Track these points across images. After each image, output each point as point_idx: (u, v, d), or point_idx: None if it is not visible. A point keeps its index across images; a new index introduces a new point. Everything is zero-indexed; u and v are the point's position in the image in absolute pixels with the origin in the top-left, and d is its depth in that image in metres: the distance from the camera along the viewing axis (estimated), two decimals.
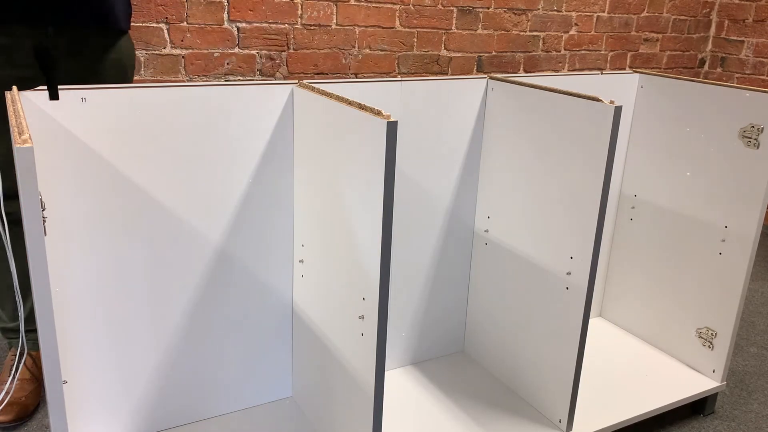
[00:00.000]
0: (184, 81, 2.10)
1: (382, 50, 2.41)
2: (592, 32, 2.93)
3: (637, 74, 1.74)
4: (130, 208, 1.19)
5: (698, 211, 1.64)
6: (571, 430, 1.41)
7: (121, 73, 1.45)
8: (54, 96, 1.07)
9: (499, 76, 1.49)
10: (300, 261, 1.34)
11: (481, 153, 1.55)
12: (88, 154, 1.13)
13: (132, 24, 1.94)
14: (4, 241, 1.45)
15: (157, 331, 1.28)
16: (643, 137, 1.75)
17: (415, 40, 2.47)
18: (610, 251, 1.90)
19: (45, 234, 1.12)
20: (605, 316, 1.95)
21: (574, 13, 2.84)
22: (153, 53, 2.02)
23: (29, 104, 1.06)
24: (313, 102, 1.19)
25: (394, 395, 1.51)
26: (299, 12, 2.23)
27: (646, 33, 3.09)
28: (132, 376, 1.28)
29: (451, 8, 2.52)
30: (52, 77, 1.34)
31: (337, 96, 1.10)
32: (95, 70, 1.39)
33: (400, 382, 1.56)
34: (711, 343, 1.65)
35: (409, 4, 2.42)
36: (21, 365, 1.58)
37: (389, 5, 2.36)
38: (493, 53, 2.69)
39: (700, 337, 1.67)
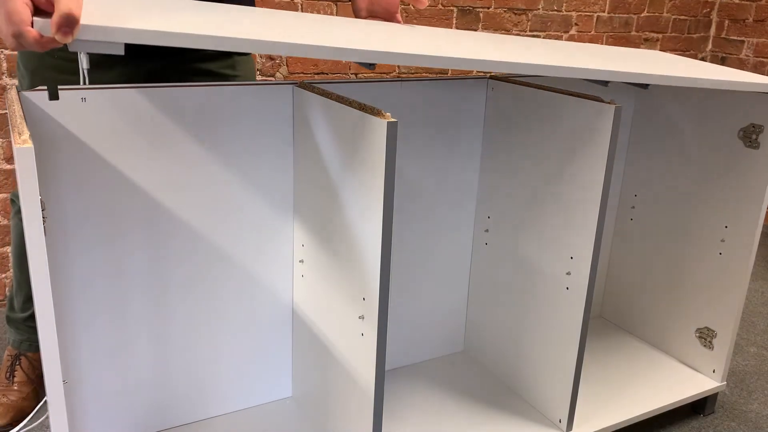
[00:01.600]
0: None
1: None
2: (592, 32, 2.93)
3: None
4: (130, 208, 1.19)
5: (698, 211, 1.64)
6: (571, 430, 1.41)
7: None
8: (54, 96, 1.07)
9: (499, 76, 1.49)
10: (300, 261, 1.34)
11: (481, 153, 1.55)
12: (88, 154, 1.13)
13: None
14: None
15: (157, 331, 1.28)
16: (643, 137, 1.75)
17: None
18: (610, 251, 1.90)
19: (45, 234, 1.12)
20: (605, 316, 1.95)
21: (574, 13, 2.84)
22: None
23: (29, 104, 1.06)
24: (313, 102, 1.19)
25: (394, 395, 1.51)
26: (299, 12, 2.22)
27: (646, 33, 3.09)
28: (132, 376, 1.28)
29: (451, 8, 2.52)
30: None
31: (337, 96, 1.10)
32: None
33: (400, 382, 1.56)
34: (711, 343, 1.65)
35: (408, 5, 2.42)
36: (17, 366, 1.58)
37: None
38: None
39: (700, 337, 1.67)
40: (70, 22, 0.74)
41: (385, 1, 1.33)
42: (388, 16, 1.35)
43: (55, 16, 0.74)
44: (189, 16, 0.99)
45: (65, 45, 0.76)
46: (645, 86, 1.35)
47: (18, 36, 0.76)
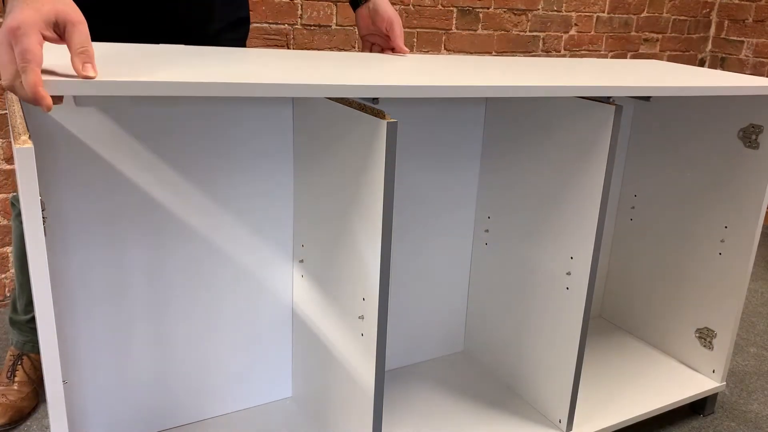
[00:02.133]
0: None
1: None
2: (592, 32, 2.93)
3: None
4: (129, 209, 1.19)
5: (698, 211, 1.64)
6: (571, 430, 1.41)
7: None
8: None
9: None
10: (300, 261, 1.34)
11: (481, 153, 1.55)
12: (88, 155, 1.13)
13: None
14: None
15: (156, 331, 1.28)
16: (644, 137, 1.75)
17: (415, 40, 2.47)
18: (610, 251, 1.90)
19: (45, 234, 1.12)
20: (605, 316, 1.95)
21: (574, 13, 2.84)
22: None
23: (29, 104, 1.06)
24: (313, 102, 1.19)
25: (394, 395, 1.51)
26: (299, 12, 2.23)
27: (646, 33, 3.09)
28: (132, 376, 1.28)
29: (451, 8, 2.52)
30: None
31: (337, 96, 1.10)
32: None
33: (400, 382, 1.56)
34: (711, 344, 1.65)
35: (409, 5, 2.42)
36: (19, 366, 1.59)
37: None
38: (493, 53, 2.68)
39: (700, 337, 1.67)
40: (89, 57, 0.78)
41: (381, 22, 1.40)
42: (385, 40, 1.44)
43: (75, 56, 0.78)
44: (185, 66, 1.00)
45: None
46: (647, 99, 1.36)
47: (23, 71, 0.75)
